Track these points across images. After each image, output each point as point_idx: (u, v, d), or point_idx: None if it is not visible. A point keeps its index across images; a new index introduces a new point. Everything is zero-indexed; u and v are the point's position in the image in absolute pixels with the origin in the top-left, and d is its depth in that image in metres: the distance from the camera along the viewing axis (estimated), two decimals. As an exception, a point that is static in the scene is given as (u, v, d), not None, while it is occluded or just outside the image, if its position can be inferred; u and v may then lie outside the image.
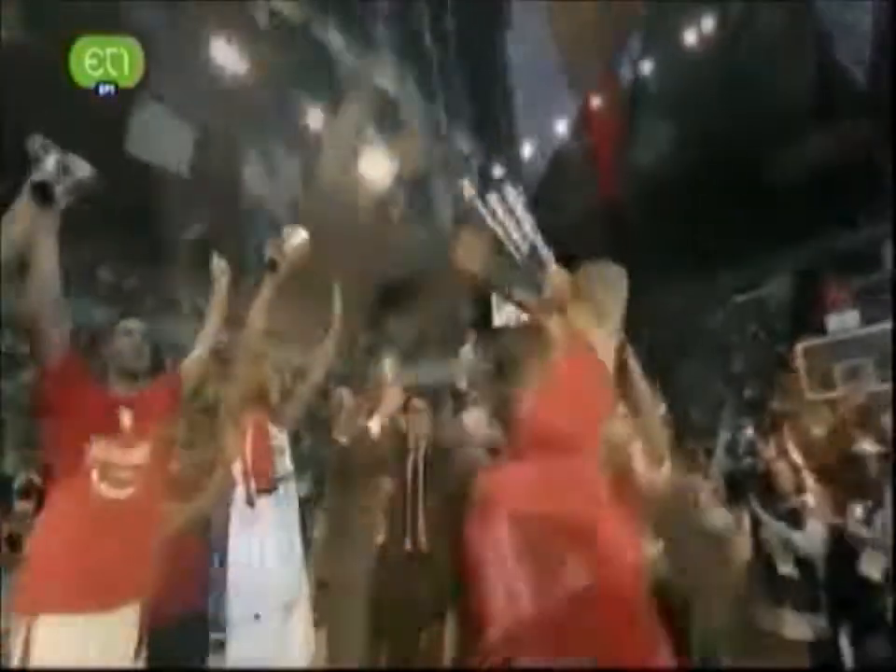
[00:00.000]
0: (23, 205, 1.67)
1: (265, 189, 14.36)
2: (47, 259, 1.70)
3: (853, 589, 2.68)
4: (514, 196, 1.67)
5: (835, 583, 2.72)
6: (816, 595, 2.69)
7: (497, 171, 25.49)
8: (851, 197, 15.86)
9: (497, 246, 1.69)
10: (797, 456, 3.34)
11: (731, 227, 19.09)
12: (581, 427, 1.33)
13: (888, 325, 10.14)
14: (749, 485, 3.02)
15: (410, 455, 2.89)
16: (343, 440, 2.74)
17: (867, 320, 11.66)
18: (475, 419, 2.97)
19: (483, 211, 1.64)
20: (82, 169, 1.74)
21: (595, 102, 21.72)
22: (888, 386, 8.84)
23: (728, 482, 3.06)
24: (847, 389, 9.19)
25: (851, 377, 10.32)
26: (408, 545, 2.73)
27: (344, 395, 2.85)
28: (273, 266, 2.23)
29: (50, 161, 1.71)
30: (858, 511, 2.94)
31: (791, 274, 16.45)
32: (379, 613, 2.56)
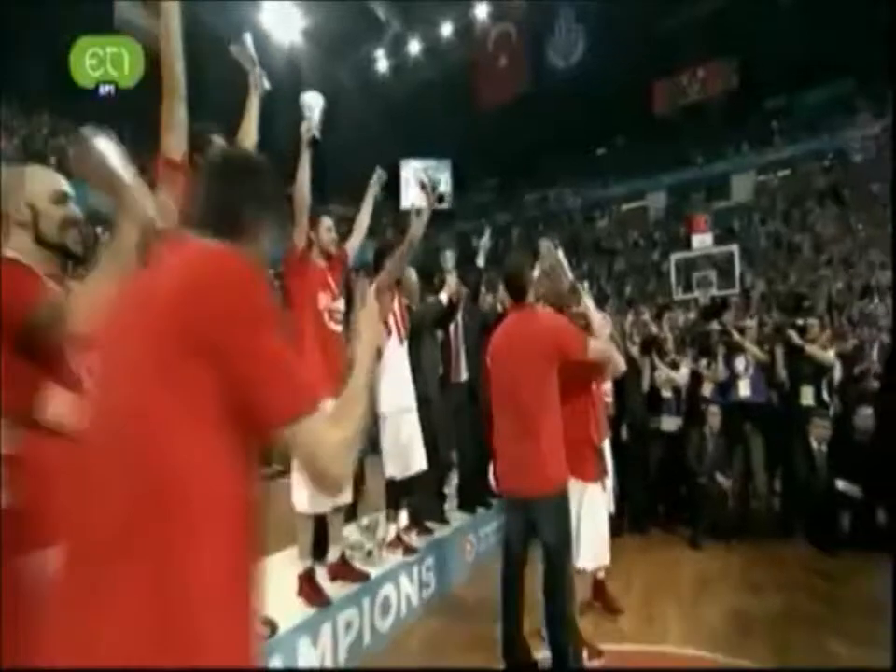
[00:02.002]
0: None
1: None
2: (307, 176, 2.74)
3: (698, 403, 4.79)
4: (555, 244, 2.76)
5: (690, 400, 4.84)
6: (679, 407, 4.78)
7: (414, 46, 24.33)
8: (716, 132, 18.50)
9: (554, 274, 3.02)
10: (672, 332, 5.49)
11: (623, 140, 21.09)
12: None
13: (729, 247, 13.75)
14: (650, 347, 4.93)
15: (454, 316, 4.32)
16: (413, 306, 4.00)
17: (717, 241, 14.97)
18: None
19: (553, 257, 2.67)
20: (321, 103, 2.73)
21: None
22: (724, 292, 12.45)
23: (639, 344, 4.95)
24: (699, 293, 12.55)
25: (702, 284, 13.52)
26: (453, 376, 4.26)
27: (413, 276, 4.03)
28: (440, 199, 3.35)
29: (317, 115, 2.69)
30: (704, 361, 5.10)
31: (666, 191, 19.16)
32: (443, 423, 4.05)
